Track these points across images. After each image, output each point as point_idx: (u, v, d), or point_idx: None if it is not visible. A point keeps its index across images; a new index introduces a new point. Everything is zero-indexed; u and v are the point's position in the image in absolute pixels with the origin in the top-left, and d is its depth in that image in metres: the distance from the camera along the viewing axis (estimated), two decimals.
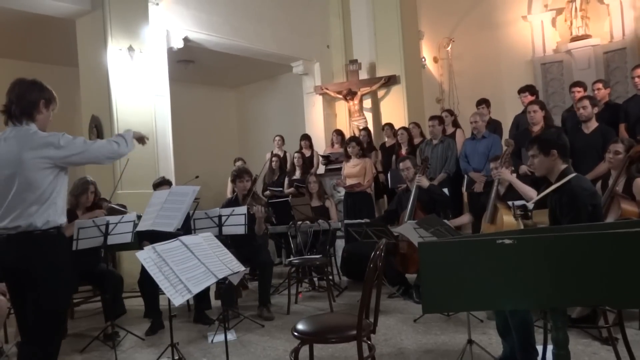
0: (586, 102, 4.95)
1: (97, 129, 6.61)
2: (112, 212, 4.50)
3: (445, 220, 3.78)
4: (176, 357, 3.31)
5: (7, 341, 4.19)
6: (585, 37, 8.21)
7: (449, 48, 9.63)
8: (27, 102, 2.45)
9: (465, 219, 4.89)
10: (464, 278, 1.78)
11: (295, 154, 7.70)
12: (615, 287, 1.70)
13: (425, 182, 5.08)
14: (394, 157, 7.21)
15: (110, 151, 2.58)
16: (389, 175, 7.03)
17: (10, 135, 2.44)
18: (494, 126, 6.36)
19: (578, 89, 5.79)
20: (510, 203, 3.75)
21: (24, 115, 2.45)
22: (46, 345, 2.44)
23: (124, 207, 4.98)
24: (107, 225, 3.94)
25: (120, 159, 2.97)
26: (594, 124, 4.95)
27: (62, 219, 2.52)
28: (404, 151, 6.95)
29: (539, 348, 2.86)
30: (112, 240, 4.01)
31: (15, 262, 2.41)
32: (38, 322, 2.41)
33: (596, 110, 5.03)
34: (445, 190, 5.55)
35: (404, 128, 7.28)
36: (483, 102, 6.64)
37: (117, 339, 4.07)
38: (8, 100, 2.46)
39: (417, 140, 7.06)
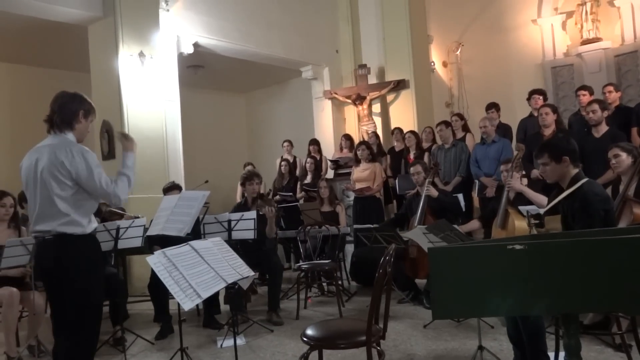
0: (595, 106, 4.90)
1: (108, 134, 6.66)
2: (112, 215, 4.52)
3: (455, 226, 3.75)
4: None
5: (18, 344, 4.22)
6: (596, 40, 8.16)
7: (458, 52, 9.61)
8: (68, 111, 2.66)
9: (474, 224, 4.79)
10: (475, 284, 1.77)
11: (308, 159, 7.70)
12: (629, 293, 1.69)
13: (434, 193, 4.95)
14: (402, 161, 7.20)
15: (115, 193, 2.69)
16: (397, 181, 7.01)
17: (45, 144, 2.63)
18: (504, 130, 6.32)
19: (583, 92, 5.75)
20: (525, 212, 3.70)
21: (64, 124, 2.65)
22: (86, 336, 2.65)
23: (123, 210, 5.00)
24: (117, 229, 3.96)
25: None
26: (604, 128, 4.90)
27: (93, 225, 2.68)
28: (412, 155, 6.93)
29: (551, 355, 2.84)
30: (122, 244, 4.02)
31: (51, 264, 2.59)
32: (76, 317, 2.59)
33: (606, 113, 4.98)
34: (460, 195, 5.49)
35: (411, 132, 7.25)
36: (493, 107, 6.61)
37: (124, 343, 4.08)
38: (51, 111, 2.66)
39: (426, 145, 7.04)
